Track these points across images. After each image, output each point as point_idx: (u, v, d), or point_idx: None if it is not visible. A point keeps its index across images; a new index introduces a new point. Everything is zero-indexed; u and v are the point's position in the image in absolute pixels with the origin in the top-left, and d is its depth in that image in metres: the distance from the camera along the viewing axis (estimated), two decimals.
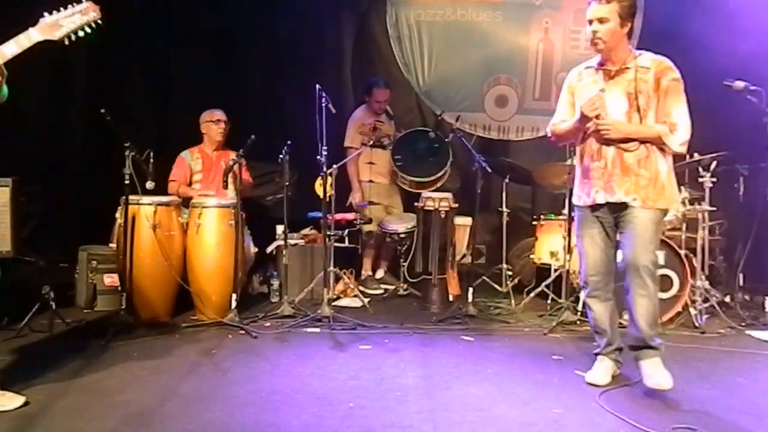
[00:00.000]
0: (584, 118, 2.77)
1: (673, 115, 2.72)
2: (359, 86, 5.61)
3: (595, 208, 2.86)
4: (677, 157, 4.33)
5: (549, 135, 3.08)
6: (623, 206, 2.78)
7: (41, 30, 2.28)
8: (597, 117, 2.74)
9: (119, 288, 3.94)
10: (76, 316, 4.03)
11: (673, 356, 3.39)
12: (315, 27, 5.74)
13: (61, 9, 2.31)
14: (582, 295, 2.95)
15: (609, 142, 2.78)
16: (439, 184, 4.88)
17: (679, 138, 2.72)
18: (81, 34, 2.34)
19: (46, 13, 2.30)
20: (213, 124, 4.65)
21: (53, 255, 4.57)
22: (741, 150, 4.32)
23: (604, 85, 2.81)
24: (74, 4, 2.33)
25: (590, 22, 2.75)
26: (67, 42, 2.32)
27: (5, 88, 2.44)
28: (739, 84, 4.05)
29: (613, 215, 2.84)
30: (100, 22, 2.35)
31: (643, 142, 2.75)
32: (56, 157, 5.06)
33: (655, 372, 2.72)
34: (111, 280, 4.27)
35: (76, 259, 4.42)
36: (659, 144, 2.75)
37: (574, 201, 2.99)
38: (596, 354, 3.01)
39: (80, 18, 2.31)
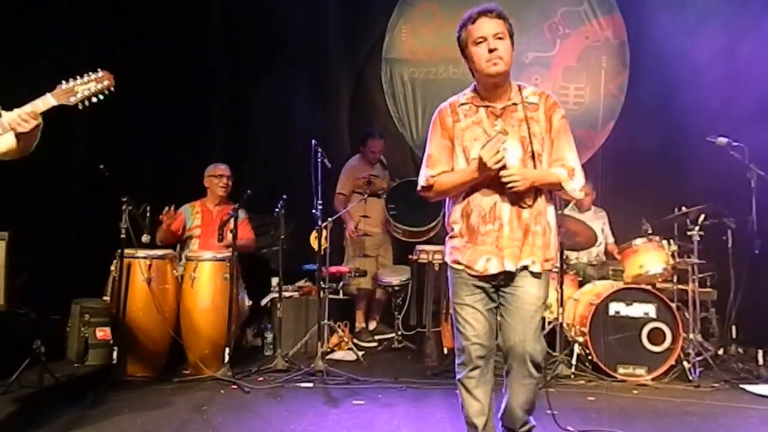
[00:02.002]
0: (484, 169, 2.22)
1: (568, 159, 2.36)
2: (355, 138, 5.73)
3: (482, 277, 2.31)
4: (667, 210, 4.49)
5: (423, 189, 2.43)
6: (510, 274, 2.29)
7: (57, 96, 2.38)
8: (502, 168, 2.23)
9: (111, 342, 3.92)
10: (67, 370, 3.99)
11: (668, 411, 3.39)
12: (313, 80, 5.90)
13: (77, 77, 2.42)
14: (460, 375, 2.39)
15: (506, 197, 2.29)
16: (431, 234, 4.89)
17: (578, 183, 2.37)
18: (94, 100, 2.43)
19: (63, 80, 2.41)
20: (215, 178, 4.66)
21: (46, 307, 4.54)
22: (728, 203, 4.41)
23: (495, 126, 2.34)
24: (90, 73, 2.43)
25: (483, 40, 2.27)
26: (80, 107, 2.42)
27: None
28: (722, 140, 4.18)
29: (495, 282, 2.32)
30: (113, 89, 2.45)
31: (538, 193, 2.35)
32: (52, 209, 5.09)
33: None
34: (103, 333, 4.24)
35: (68, 312, 4.39)
36: (557, 191, 2.40)
37: (451, 261, 2.38)
38: None
39: (95, 86, 2.41)
